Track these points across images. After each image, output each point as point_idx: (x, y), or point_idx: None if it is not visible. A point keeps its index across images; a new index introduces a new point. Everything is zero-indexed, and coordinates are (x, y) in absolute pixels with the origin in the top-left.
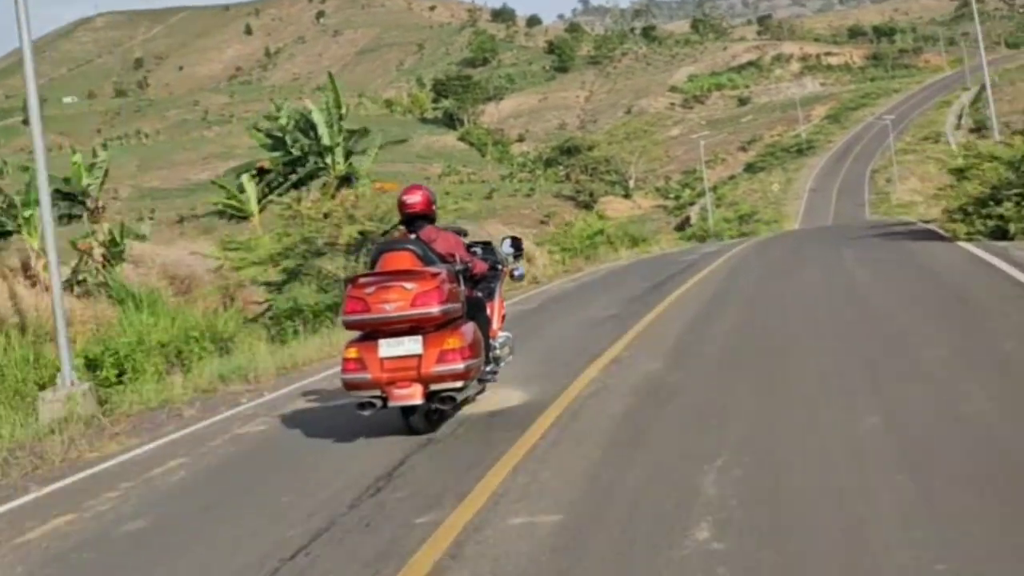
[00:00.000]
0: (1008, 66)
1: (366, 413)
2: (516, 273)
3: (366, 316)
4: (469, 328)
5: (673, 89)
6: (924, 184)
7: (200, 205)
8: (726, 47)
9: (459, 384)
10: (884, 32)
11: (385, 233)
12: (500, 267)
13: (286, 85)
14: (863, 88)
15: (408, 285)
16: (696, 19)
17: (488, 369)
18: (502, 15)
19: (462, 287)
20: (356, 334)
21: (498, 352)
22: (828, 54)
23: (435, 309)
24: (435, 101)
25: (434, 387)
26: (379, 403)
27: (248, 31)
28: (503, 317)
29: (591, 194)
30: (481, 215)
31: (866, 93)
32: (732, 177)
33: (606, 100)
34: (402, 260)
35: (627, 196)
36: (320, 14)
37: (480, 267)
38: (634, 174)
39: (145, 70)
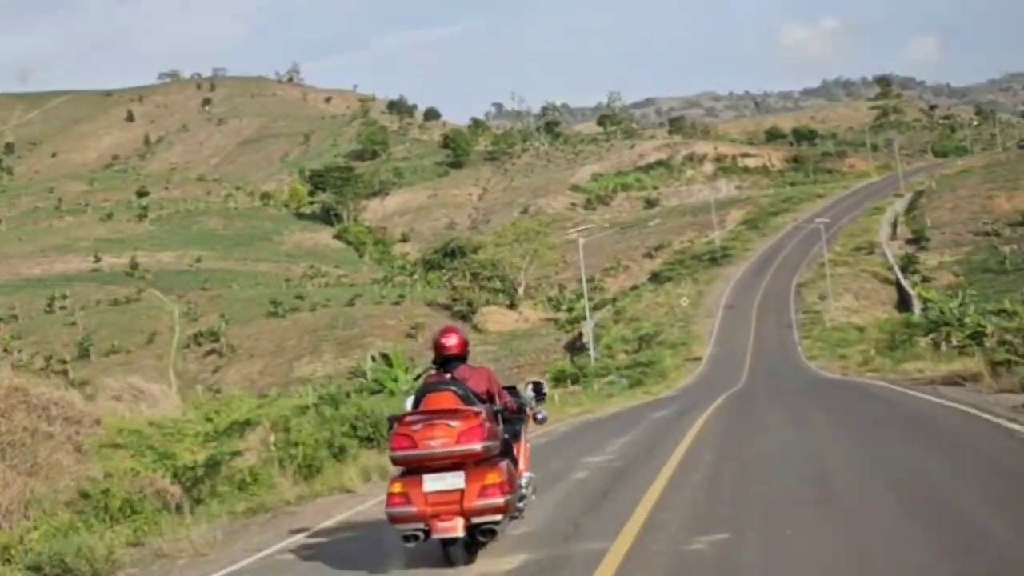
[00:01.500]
0: (946, 171)
1: (410, 545)
2: (539, 416)
3: (413, 452)
4: (506, 464)
5: (575, 188)
6: (860, 301)
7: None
8: (634, 145)
9: (498, 517)
10: (804, 135)
11: (419, 376)
12: (526, 409)
13: (161, 174)
14: (784, 192)
15: (453, 423)
16: (604, 115)
17: (518, 506)
18: (397, 107)
19: (500, 426)
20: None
21: (523, 491)
22: (745, 155)
23: (478, 446)
24: (312, 194)
25: (475, 520)
26: (422, 535)
27: (130, 118)
28: (528, 458)
29: (470, 303)
30: (336, 325)
31: (787, 197)
32: (635, 287)
33: (501, 198)
34: (446, 399)
35: (512, 306)
36: (207, 101)
37: (512, 405)
38: (524, 281)
39: (16, 156)
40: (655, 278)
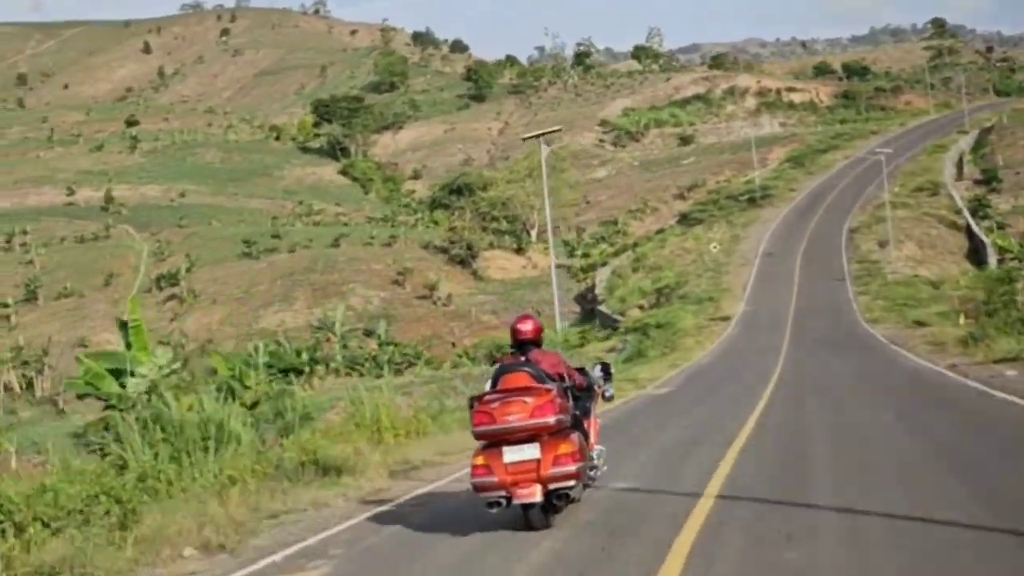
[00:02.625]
0: (1018, 106)
1: (493, 511)
2: (607, 394)
3: (492, 427)
4: (577, 436)
5: (604, 123)
6: (925, 251)
7: None
8: (669, 78)
9: (572, 483)
10: (855, 71)
11: (495, 360)
12: (595, 388)
13: (169, 107)
14: (833, 129)
15: (527, 399)
16: (639, 47)
17: (590, 475)
18: (422, 39)
19: (570, 402)
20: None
21: (595, 462)
22: (791, 90)
23: (551, 419)
24: (316, 126)
25: (552, 486)
26: (504, 502)
27: (146, 49)
28: (598, 432)
29: (469, 247)
30: (315, 269)
31: (837, 134)
32: (661, 231)
33: (523, 133)
34: (520, 379)
35: (520, 251)
36: (225, 32)
37: (581, 383)
38: (537, 222)
39: (28, 87)
40: (684, 220)
